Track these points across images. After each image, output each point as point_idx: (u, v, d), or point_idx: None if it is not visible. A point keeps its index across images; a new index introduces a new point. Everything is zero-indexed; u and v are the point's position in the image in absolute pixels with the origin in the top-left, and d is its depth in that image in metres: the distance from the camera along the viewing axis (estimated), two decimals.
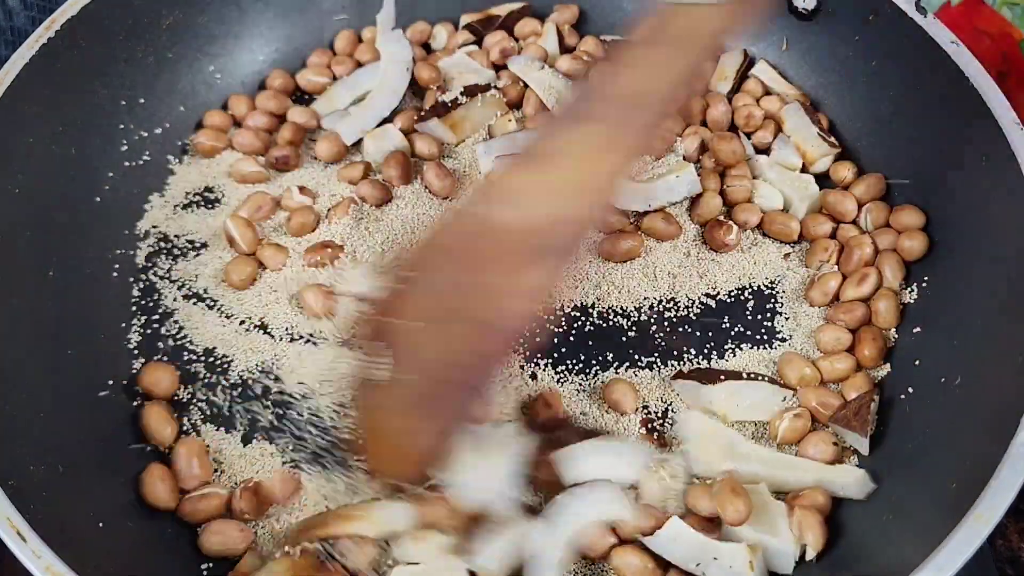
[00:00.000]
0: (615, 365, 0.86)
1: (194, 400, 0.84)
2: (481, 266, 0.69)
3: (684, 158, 0.95)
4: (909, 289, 0.87)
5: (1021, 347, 0.72)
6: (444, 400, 0.71)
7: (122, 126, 0.96)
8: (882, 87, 0.94)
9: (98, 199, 0.92)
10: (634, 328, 0.88)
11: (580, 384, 0.84)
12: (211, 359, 0.86)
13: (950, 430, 0.74)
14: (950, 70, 0.85)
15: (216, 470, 0.79)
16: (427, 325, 0.69)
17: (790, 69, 1.02)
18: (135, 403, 0.83)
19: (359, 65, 1.06)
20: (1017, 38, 1.05)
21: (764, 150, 0.99)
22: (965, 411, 0.74)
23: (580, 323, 0.88)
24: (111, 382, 0.83)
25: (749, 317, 0.89)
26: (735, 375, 0.82)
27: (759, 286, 0.91)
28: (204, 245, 0.94)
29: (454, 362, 0.69)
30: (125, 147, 0.96)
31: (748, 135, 1.00)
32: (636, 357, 0.86)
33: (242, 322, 0.88)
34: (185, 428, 0.82)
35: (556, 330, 0.87)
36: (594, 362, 0.86)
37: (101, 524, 0.72)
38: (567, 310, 0.89)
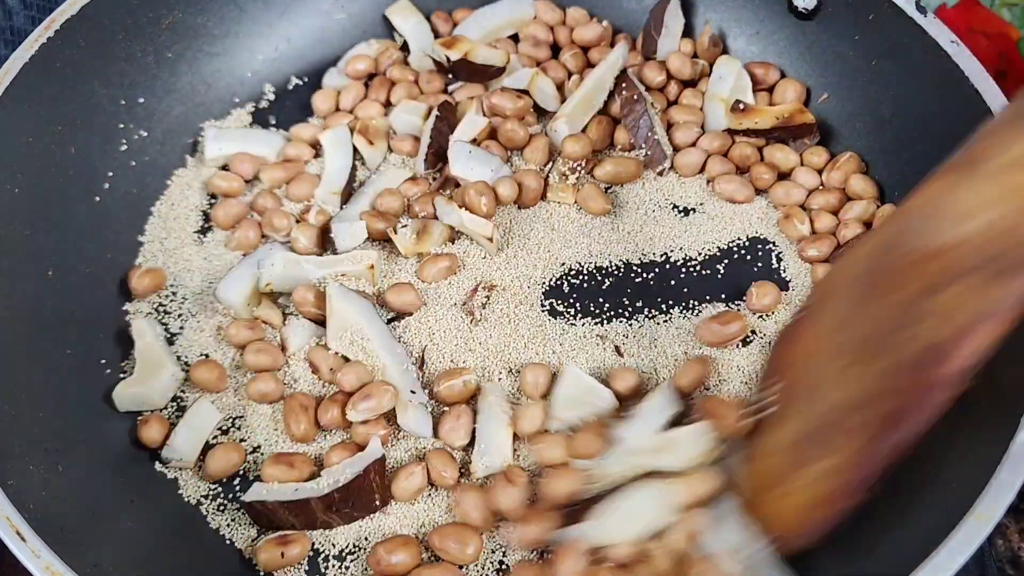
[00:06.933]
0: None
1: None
2: (912, 287, 0.59)
3: None
4: None
5: (1021, 347, 0.72)
6: (845, 445, 0.62)
7: (122, 126, 0.96)
8: (882, 87, 0.94)
9: (98, 199, 0.92)
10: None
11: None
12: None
13: (950, 430, 0.74)
14: (950, 70, 0.85)
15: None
16: (834, 360, 0.61)
17: (790, 69, 1.02)
18: None
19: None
20: (1015, 38, 1.05)
21: None
22: (965, 411, 0.74)
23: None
24: (111, 383, 0.83)
25: None
26: None
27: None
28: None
29: (866, 407, 0.61)
30: (125, 147, 0.96)
31: None
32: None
33: None
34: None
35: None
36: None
37: (101, 524, 0.72)
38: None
